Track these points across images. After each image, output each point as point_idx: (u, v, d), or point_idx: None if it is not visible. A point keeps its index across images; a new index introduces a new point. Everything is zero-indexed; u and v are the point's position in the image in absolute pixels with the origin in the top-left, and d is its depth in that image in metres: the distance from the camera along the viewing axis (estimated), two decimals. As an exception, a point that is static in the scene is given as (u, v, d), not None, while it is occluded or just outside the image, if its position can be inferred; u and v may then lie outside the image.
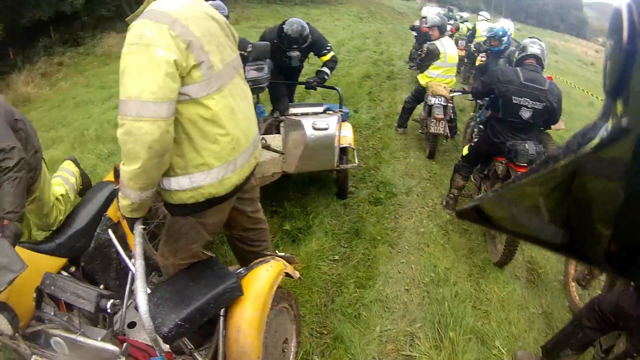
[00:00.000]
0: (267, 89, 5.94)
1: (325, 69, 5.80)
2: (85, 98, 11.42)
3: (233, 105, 2.44)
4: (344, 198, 5.53)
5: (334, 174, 5.47)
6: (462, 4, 59.06)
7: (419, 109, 7.92)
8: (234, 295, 2.55)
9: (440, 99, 6.66)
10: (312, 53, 5.76)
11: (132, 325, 2.80)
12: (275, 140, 4.67)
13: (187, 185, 2.39)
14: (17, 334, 2.45)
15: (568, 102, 13.67)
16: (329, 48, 5.78)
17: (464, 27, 14.70)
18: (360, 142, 7.43)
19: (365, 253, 4.56)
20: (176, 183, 2.38)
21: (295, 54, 5.43)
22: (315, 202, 5.35)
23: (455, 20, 15.63)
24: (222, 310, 2.56)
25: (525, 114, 4.42)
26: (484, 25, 11.84)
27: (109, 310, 2.45)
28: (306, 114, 4.96)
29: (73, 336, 2.47)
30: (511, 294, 4.17)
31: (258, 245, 3.20)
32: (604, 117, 0.44)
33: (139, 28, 2.13)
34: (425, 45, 7.42)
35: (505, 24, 8.93)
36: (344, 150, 5.11)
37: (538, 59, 4.62)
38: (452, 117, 7.14)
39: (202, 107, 2.28)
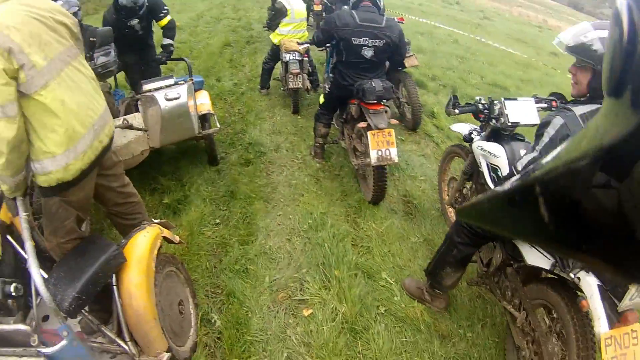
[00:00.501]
0: (124, 73, 5.96)
1: (168, 41, 5.94)
2: None
3: (63, 97, 2.62)
4: (215, 164, 5.65)
5: (201, 142, 5.56)
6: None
7: (279, 68, 8.06)
8: (117, 262, 2.75)
9: (294, 54, 6.82)
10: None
11: (45, 318, 2.88)
12: (136, 118, 4.78)
13: (40, 170, 2.65)
14: None
15: (431, 41, 14.31)
16: (165, 11, 5.82)
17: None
18: (226, 109, 7.47)
19: (243, 212, 4.70)
20: (33, 167, 2.66)
21: (135, 21, 5.42)
22: (189, 173, 5.40)
23: None
24: (115, 280, 2.74)
25: (367, 52, 4.65)
26: None
27: (13, 294, 2.61)
28: (158, 88, 4.99)
29: None
30: (390, 228, 4.46)
31: (134, 218, 3.40)
32: (604, 117, 0.44)
33: None
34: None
35: None
36: (204, 118, 5.27)
37: (373, 1, 4.83)
38: (311, 70, 7.35)
39: (35, 102, 2.50)
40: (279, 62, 7.70)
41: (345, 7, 5.58)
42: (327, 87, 5.82)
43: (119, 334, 2.84)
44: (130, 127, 4.61)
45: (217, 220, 4.59)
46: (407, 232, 4.45)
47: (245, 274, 3.86)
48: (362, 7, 4.81)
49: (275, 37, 7.44)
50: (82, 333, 2.89)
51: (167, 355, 2.82)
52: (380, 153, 4.38)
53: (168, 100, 4.83)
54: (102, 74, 4.56)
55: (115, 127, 4.28)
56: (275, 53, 7.58)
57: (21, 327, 2.56)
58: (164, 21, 5.84)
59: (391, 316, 3.53)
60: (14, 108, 2.42)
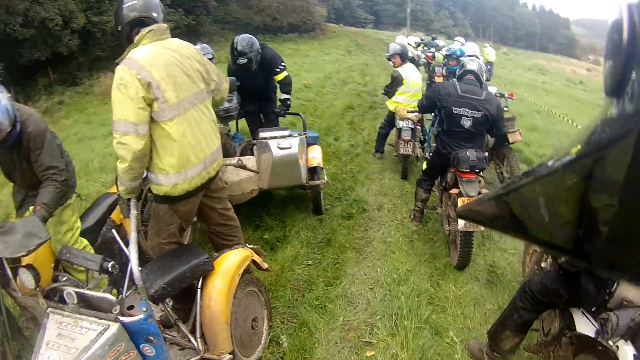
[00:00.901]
0: (245, 120, 6.68)
1: (285, 96, 6.48)
2: (87, 134, 12.05)
3: (184, 131, 3.28)
4: (319, 214, 6.11)
5: (308, 192, 6.04)
6: (450, 32, 60.21)
7: (394, 134, 8.38)
8: (206, 268, 3.29)
9: (407, 122, 7.21)
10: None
11: (130, 308, 3.28)
12: (250, 161, 5.43)
13: (154, 180, 3.36)
14: (37, 290, 3.09)
15: (547, 120, 14.23)
16: (282, 67, 6.35)
17: (439, 56, 15.33)
18: (339, 166, 7.99)
19: (335, 258, 5.07)
20: (149, 177, 3.39)
21: (244, 60, 5.95)
22: (293, 218, 5.90)
23: (435, 47, 16.27)
24: (200, 284, 3.29)
25: (466, 122, 4.93)
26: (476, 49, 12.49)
27: (109, 270, 3.04)
28: (273, 137, 5.50)
29: (81, 290, 3.05)
30: (468, 292, 4.59)
31: (230, 239, 3.93)
32: (604, 117, 0.44)
33: (120, 72, 3.11)
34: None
35: (470, 47, 9.57)
36: (314, 170, 5.79)
37: (476, 75, 5.19)
38: (423, 138, 7.68)
39: (161, 129, 3.20)
40: (394, 128, 8.07)
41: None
42: (429, 154, 6.13)
43: (192, 331, 3.33)
44: (243, 167, 5.25)
45: (309, 262, 5.00)
46: (485, 298, 4.55)
47: (322, 311, 4.19)
48: (465, 79, 5.18)
49: (391, 104, 7.92)
50: (160, 323, 3.31)
51: (228, 356, 3.25)
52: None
53: (280, 148, 5.34)
54: (223, 117, 5.49)
55: (230, 165, 5.21)
56: (390, 119, 8.02)
57: (108, 296, 3.02)
58: (280, 76, 6.38)
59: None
60: (145, 128, 3.12)
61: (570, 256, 0.56)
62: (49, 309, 3.08)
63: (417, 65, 10.91)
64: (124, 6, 3.37)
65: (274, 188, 5.71)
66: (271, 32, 37.36)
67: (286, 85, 6.48)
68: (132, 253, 2.93)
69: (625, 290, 2.81)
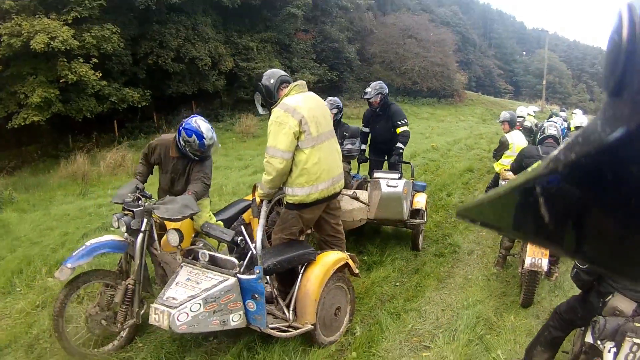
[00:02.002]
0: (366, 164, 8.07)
1: (400, 145, 7.67)
2: (223, 164, 14.00)
3: (319, 156, 4.54)
4: (416, 250, 7.10)
5: (409, 231, 7.16)
6: (587, 106, 58.68)
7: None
8: (309, 257, 4.48)
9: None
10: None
11: (244, 273, 4.31)
12: (363, 195, 6.61)
13: (290, 192, 4.61)
14: (178, 248, 4.34)
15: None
16: (402, 122, 7.77)
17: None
18: (445, 217, 8.95)
19: (418, 282, 6.04)
20: (285, 190, 4.65)
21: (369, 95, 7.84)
22: (392, 249, 7.02)
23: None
24: (302, 270, 4.46)
25: None
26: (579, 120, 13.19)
27: (238, 242, 4.28)
28: (385, 178, 6.63)
29: (213, 252, 4.32)
30: (525, 324, 5.24)
31: (335, 247, 5.09)
32: (604, 117, 0.43)
33: (276, 113, 4.48)
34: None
35: (579, 118, 10.49)
36: (417, 212, 6.91)
37: (555, 138, 6.05)
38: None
39: (302, 153, 4.48)
40: (500, 188, 8.88)
41: None
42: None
43: (287, 305, 4.41)
44: (356, 198, 6.44)
45: (397, 283, 6.02)
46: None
47: (396, 317, 5.17)
48: (546, 143, 6.05)
49: (497, 166, 8.78)
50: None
51: (310, 326, 4.30)
52: (533, 260, 5.24)
53: (388, 186, 6.39)
54: (345, 156, 6.46)
55: (346, 195, 6.37)
56: (496, 180, 8.88)
57: (233, 259, 4.19)
58: (400, 129, 7.71)
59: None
60: (289, 155, 4.42)
61: (569, 256, 0.53)
62: (184, 263, 4.26)
63: (534, 133, 11.70)
64: (266, 75, 4.79)
65: (380, 219, 6.69)
66: (410, 94, 38.71)
67: (403, 137, 7.70)
68: (259, 231, 4.09)
69: (618, 302, 3.39)
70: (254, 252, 4.10)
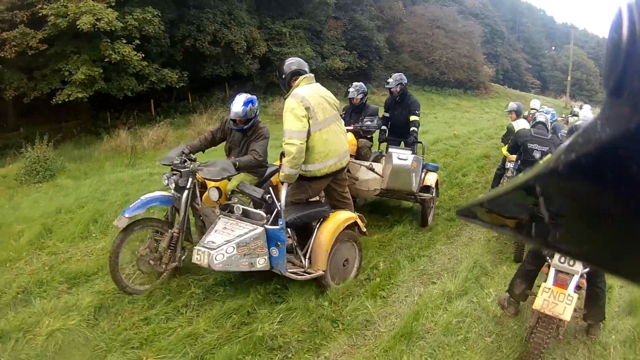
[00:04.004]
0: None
1: (413, 129, 8.64)
2: None
3: (327, 137, 5.21)
4: (424, 226, 7.90)
5: (418, 205, 8.15)
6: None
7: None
8: (324, 214, 5.28)
9: (512, 163, 9.18)
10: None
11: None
12: (378, 167, 7.29)
13: (305, 168, 5.21)
14: (217, 203, 5.09)
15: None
16: (417, 113, 8.76)
17: (572, 119, 16.87)
18: (459, 193, 10.31)
19: (431, 237, 7.35)
20: (303, 167, 5.19)
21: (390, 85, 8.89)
22: (409, 213, 8.29)
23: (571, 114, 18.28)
24: (318, 224, 5.23)
25: (537, 154, 6.83)
26: (583, 114, 14.33)
27: (267, 199, 4.94)
28: (397, 152, 7.26)
29: (245, 207, 5.12)
30: (514, 273, 5.87)
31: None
32: (604, 116, 0.44)
33: (289, 102, 5.09)
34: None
35: (585, 112, 11.66)
36: (427, 188, 7.66)
37: (543, 124, 7.24)
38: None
39: (312, 136, 5.12)
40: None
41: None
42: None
43: (305, 255, 5.15)
44: (372, 169, 7.15)
45: (413, 237, 7.33)
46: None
47: (411, 260, 6.45)
48: (537, 126, 7.23)
49: (504, 150, 9.90)
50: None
51: (321, 272, 5.05)
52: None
53: (399, 159, 7.01)
54: (364, 131, 7.66)
55: (363, 166, 7.19)
56: (503, 162, 10.00)
57: (262, 212, 4.93)
58: (412, 118, 8.68)
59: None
60: (303, 135, 4.99)
61: (569, 255, 0.55)
62: (221, 215, 4.99)
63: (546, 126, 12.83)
64: (286, 63, 5.48)
65: (391, 190, 7.34)
66: (438, 85, 39.13)
67: (413, 124, 8.68)
68: (283, 191, 4.93)
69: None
70: (279, 208, 4.83)
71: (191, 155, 5.67)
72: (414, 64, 38.87)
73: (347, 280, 5.54)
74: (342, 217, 5.37)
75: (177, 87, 24.04)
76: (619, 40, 0.43)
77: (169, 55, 24.22)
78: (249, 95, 6.00)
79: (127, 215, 4.96)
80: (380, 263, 6.22)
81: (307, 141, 5.08)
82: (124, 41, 20.42)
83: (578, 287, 4.11)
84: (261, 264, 4.78)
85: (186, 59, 25.07)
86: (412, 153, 7.49)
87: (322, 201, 6.01)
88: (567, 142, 0.47)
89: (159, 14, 22.00)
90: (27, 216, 8.02)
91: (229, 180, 5.69)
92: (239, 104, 5.83)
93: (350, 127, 7.62)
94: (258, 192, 4.96)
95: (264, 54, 27.84)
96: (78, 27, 18.39)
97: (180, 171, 5.32)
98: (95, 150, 17.69)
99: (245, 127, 5.95)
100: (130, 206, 5.11)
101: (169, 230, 5.27)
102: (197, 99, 26.63)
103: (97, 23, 18.70)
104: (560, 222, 0.53)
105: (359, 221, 5.64)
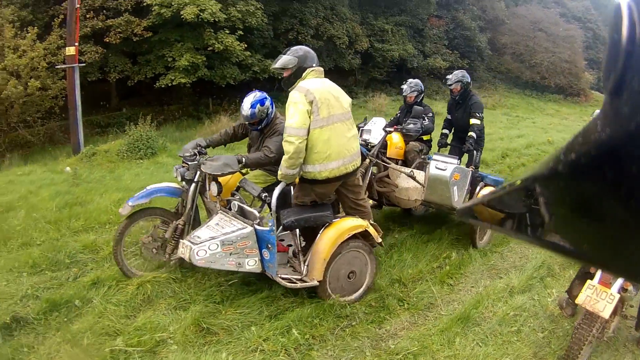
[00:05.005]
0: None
1: (471, 134, 7.48)
2: None
3: (329, 137, 4.69)
4: (474, 247, 6.88)
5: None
6: None
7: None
8: (324, 220, 4.84)
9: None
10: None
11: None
12: (420, 175, 6.57)
13: (304, 169, 4.78)
14: (217, 198, 5.01)
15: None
16: (477, 115, 7.58)
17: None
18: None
19: (505, 237, 7.02)
20: (303, 167, 4.78)
21: (450, 82, 7.89)
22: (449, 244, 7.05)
23: None
24: (322, 230, 4.81)
25: None
26: None
27: (262, 197, 4.67)
28: (439, 161, 6.49)
29: (242, 204, 4.91)
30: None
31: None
32: (604, 117, 0.44)
33: (293, 94, 4.67)
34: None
35: None
36: None
37: None
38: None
39: (312, 133, 4.64)
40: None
41: None
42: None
43: (305, 261, 4.82)
44: (412, 177, 6.50)
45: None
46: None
47: (483, 255, 6.60)
48: None
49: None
50: (287, 249, 5.15)
51: (316, 282, 4.69)
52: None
53: (436, 169, 6.29)
54: (405, 135, 7.01)
55: (403, 173, 6.59)
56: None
57: (255, 211, 4.71)
58: (472, 121, 7.55)
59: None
60: (304, 132, 4.56)
61: (568, 255, 0.53)
62: (220, 210, 4.93)
63: None
64: (298, 55, 4.91)
65: (431, 202, 6.72)
66: (538, 89, 38.02)
67: (473, 128, 7.51)
68: (276, 190, 4.67)
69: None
70: (272, 209, 4.59)
71: (203, 149, 5.53)
72: (516, 66, 37.72)
73: (356, 295, 5.19)
74: (347, 225, 4.94)
75: (280, 77, 23.81)
76: (619, 40, 0.43)
77: (272, 47, 24.53)
78: (257, 95, 5.61)
79: (130, 204, 5.09)
80: (453, 254, 6.45)
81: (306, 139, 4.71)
82: (227, 31, 20.93)
83: (624, 289, 4.07)
84: (251, 265, 4.65)
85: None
86: (459, 162, 6.74)
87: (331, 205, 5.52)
88: (567, 142, 0.48)
89: (262, 7, 22.46)
90: (128, 187, 8.89)
91: (242, 174, 5.73)
92: (247, 106, 5.48)
93: (391, 129, 6.94)
94: (256, 190, 4.78)
95: (365, 49, 27.78)
96: (182, 16, 19.09)
97: (188, 164, 5.29)
98: (196, 133, 18.25)
99: (260, 126, 5.65)
100: (136, 195, 5.21)
101: (175, 220, 5.30)
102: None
103: (201, 14, 19.28)
104: (560, 222, 0.53)
105: (371, 231, 5.13)
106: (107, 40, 19.55)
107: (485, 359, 4.38)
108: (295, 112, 4.61)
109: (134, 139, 13.14)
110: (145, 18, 20.18)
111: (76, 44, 13.93)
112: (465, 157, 8.08)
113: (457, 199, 6.34)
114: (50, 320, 4.58)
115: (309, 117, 4.63)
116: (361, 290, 5.18)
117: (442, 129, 8.30)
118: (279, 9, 24.48)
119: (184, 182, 5.31)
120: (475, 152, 7.76)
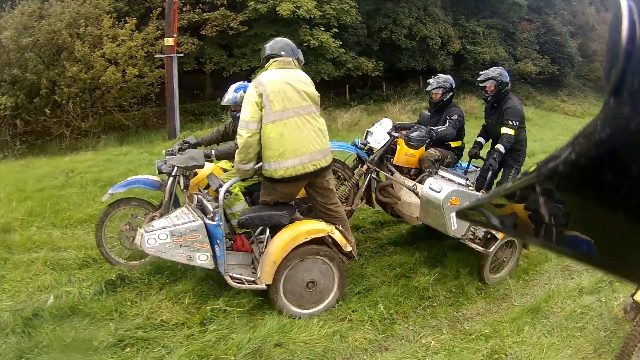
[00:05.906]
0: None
1: (499, 147, 6.12)
2: None
3: (282, 132, 4.27)
4: (481, 282, 5.64)
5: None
6: None
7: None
8: (281, 219, 4.43)
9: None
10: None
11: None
12: (420, 189, 5.38)
13: (264, 167, 4.44)
14: (185, 191, 4.95)
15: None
16: (510, 124, 6.11)
17: None
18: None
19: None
20: (264, 165, 4.45)
21: (481, 78, 6.44)
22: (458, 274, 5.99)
23: None
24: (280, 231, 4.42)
25: None
26: None
27: (218, 191, 4.50)
28: (444, 178, 5.39)
29: (202, 199, 4.74)
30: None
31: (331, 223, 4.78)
32: (604, 117, 0.43)
33: (249, 86, 4.48)
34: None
35: None
36: (493, 237, 5.39)
37: None
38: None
39: (265, 129, 4.30)
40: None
41: None
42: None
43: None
44: (415, 192, 5.45)
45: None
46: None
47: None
48: None
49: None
50: (245, 237, 4.94)
51: (263, 286, 4.38)
52: None
53: (429, 189, 5.18)
54: (409, 144, 5.57)
55: (405, 186, 5.60)
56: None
57: (210, 206, 4.48)
58: (502, 130, 6.13)
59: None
60: (254, 125, 4.26)
61: (568, 256, 0.53)
62: (187, 203, 4.81)
63: None
64: (266, 45, 4.68)
65: (427, 224, 5.67)
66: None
67: (504, 140, 6.11)
68: (224, 186, 4.48)
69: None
70: (220, 203, 4.41)
71: (191, 146, 5.50)
72: (606, 75, 36.83)
73: (319, 307, 4.72)
74: (305, 228, 4.48)
75: (373, 75, 24.40)
76: (619, 40, 0.43)
77: (366, 45, 24.66)
78: (243, 83, 5.55)
79: (110, 192, 5.25)
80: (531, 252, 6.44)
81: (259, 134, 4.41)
82: (322, 29, 21.19)
83: None
84: (202, 260, 4.43)
85: (382, 49, 25.40)
86: (464, 182, 5.37)
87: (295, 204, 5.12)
88: (567, 142, 0.47)
89: (356, 5, 22.60)
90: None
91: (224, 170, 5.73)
92: (230, 90, 5.49)
93: (397, 134, 5.79)
94: (215, 183, 4.66)
95: (457, 51, 27.58)
96: (278, 12, 19.66)
97: (166, 158, 5.30)
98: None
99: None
100: (116, 184, 5.39)
101: (153, 212, 5.31)
102: (391, 88, 26.90)
103: (297, 10, 19.70)
104: (560, 222, 0.52)
105: (337, 237, 4.61)
106: (204, 33, 20.43)
107: (549, 348, 4.57)
108: (246, 105, 4.37)
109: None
110: (241, 13, 21.01)
111: (174, 35, 14.95)
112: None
113: (456, 227, 5.22)
114: (153, 280, 5.01)
115: (260, 110, 4.32)
116: (326, 302, 4.73)
117: (477, 137, 6.98)
118: (373, 8, 24.60)
119: (168, 176, 5.26)
120: (494, 170, 6.33)
